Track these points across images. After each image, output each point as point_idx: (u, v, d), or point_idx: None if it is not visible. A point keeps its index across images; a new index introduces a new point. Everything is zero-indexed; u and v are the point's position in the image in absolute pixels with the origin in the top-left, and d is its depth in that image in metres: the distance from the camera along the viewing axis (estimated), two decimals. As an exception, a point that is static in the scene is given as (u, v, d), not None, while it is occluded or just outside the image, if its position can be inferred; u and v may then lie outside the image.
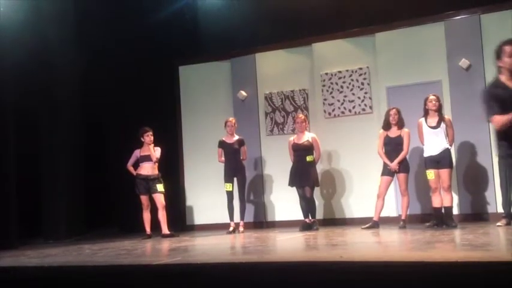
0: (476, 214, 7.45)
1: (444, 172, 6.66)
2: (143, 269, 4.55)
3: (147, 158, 7.85)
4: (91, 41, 8.61)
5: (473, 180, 7.55)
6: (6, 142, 7.44)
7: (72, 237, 8.13)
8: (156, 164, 7.87)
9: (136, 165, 7.97)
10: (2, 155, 7.35)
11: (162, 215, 7.79)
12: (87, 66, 8.69)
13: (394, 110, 7.18)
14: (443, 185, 6.67)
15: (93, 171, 8.99)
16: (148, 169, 7.84)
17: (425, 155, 6.80)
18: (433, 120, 6.78)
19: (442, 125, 6.73)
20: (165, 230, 7.75)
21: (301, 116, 7.83)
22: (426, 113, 6.82)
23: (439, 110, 6.79)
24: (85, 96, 8.80)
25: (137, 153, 7.95)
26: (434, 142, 6.73)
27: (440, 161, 6.67)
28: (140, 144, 7.96)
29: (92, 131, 9.02)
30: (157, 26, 8.80)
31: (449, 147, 6.76)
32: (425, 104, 6.83)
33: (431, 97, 6.80)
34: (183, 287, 3.97)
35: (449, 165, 6.71)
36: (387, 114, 7.22)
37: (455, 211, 7.24)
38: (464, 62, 7.63)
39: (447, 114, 7.03)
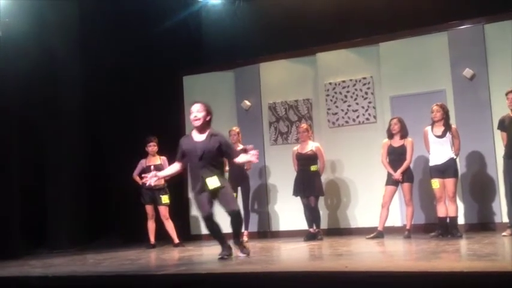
0: (482, 224, 7.42)
1: (449, 181, 6.64)
2: (147, 279, 4.55)
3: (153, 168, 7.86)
4: (95, 51, 8.64)
5: (478, 190, 7.53)
6: (10, 153, 7.46)
7: (76, 247, 8.11)
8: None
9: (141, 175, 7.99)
10: (6, 165, 7.37)
11: (169, 227, 7.81)
12: (91, 77, 8.72)
13: (394, 119, 7.18)
14: (449, 194, 6.65)
15: (97, 181, 8.98)
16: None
17: (431, 164, 6.79)
18: (438, 129, 6.76)
19: (448, 134, 6.72)
20: (175, 239, 7.78)
21: (303, 125, 7.84)
22: (433, 122, 6.82)
23: (445, 119, 6.77)
24: (88, 106, 8.82)
25: (143, 163, 7.97)
26: (439, 151, 6.72)
27: (445, 170, 6.65)
28: (145, 154, 7.97)
29: (96, 141, 9.03)
30: (162, 37, 8.84)
31: (455, 157, 6.74)
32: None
33: (434, 107, 6.80)
34: (187, 297, 3.96)
35: (454, 174, 6.69)
36: (389, 124, 7.23)
37: (461, 221, 7.21)
38: (468, 72, 7.64)
39: (452, 124, 7.00)
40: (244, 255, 5.49)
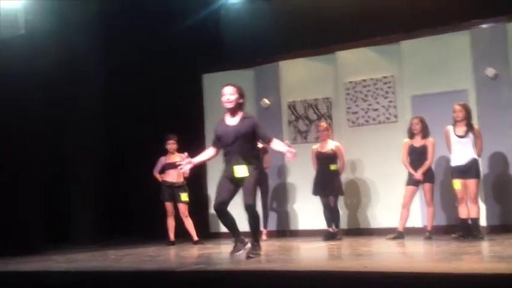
0: (504, 226, 7.31)
1: (471, 182, 6.56)
2: (167, 276, 4.58)
3: (173, 166, 7.90)
4: (115, 50, 8.72)
5: (501, 191, 7.43)
6: (33, 151, 7.58)
7: (98, 243, 8.21)
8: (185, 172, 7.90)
9: (162, 172, 8.04)
10: (30, 163, 7.49)
11: (189, 224, 7.86)
12: (112, 75, 8.80)
13: (416, 119, 7.12)
14: (470, 195, 6.57)
15: (118, 179, 9.08)
16: (173, 176, 7.90)
17: (452, 164, 6.71)
18: (460, 129, 6.68)
19: (470, 134, 6.64)
20: (195, 237, 7.82)
21: (323, 124, 7.82)
22: (455, 122, 6.74)
23: (468, 119, 6.69)
24: (109, 103, 8.92)
25: (162, 160, 8.03)
26: (461, 152, 6.64)
27: (467, 171, 6.57)
28: (165, 152, 8.03)
29: (116, 138, 9.12)
30: (182, 35, 8.88)
31: (477, 158, 6.66)
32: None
33: (456, 107, 6.72)
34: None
35: (477, 175, 6.60)
36: (410, 123, 7.17)
37: (483, 222, 7.12)
38: (490, 71, 7.54)
39: (475, 124, 6.91)
40: (247, 255, 5.22)
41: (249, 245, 5.38)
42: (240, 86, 5.46)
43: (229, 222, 5.37)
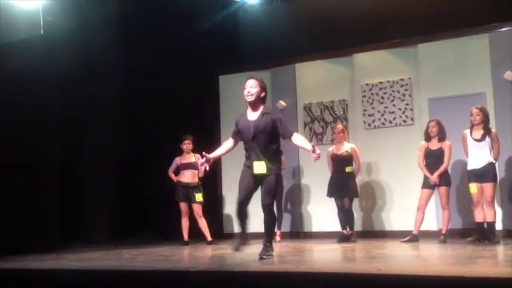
0: (521, 230, 7.24)
1: (487, 186, 6.50)
2: (180, 275, 4.61)
3: (188, 166, 7.95)
4: (133, 50, 8.78)
5: (517, 195, 7.35)
6: (50, 148, 7.66)
7: (112, 242, 8.27)
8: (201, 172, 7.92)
9: (177, 173, 8.08)
10: (46, 160, 7.57)
11: (203, 224, 7.88)
12: (129, 75, 8.87)
13: (433, 122, 7.07)
14: (487, 199, 6.51)
15: (133, 178, 9.14)
16: (188, 177, 7.94)
17: (469, 168, 6.66)
18: (477, 133, 6.62)
19: (487, 138, 6.57)
20: (208, 237, 7.84)
21: (339, 126, 7.80)
22: (472, 125, 6.68)
23: (485, 122, 6.63)
24: (125, 103, 8.98)
25: (178, 160, 8.06)
26: (478, 155, 6.58)
27: (484, 174, 6.51)
28: (180, 152, 8.07)
29: (132, 138, 9.18)
30: (199, 36, 8.92)
31: (494, 161, 6.60)
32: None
33: (473, 110, 6.66)
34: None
35: (493, 179, 6.54)
36: (427, 126, 7.12)
37: (499, 226, 7.04)
38: (509, 75, 7.45)
39: (492, 127, 6.84)
40: (260, 256, 5.26)
41: (245, 244, 5.42)
42: (263, 80, 5.43)
43: (244, 218, 5.40)
